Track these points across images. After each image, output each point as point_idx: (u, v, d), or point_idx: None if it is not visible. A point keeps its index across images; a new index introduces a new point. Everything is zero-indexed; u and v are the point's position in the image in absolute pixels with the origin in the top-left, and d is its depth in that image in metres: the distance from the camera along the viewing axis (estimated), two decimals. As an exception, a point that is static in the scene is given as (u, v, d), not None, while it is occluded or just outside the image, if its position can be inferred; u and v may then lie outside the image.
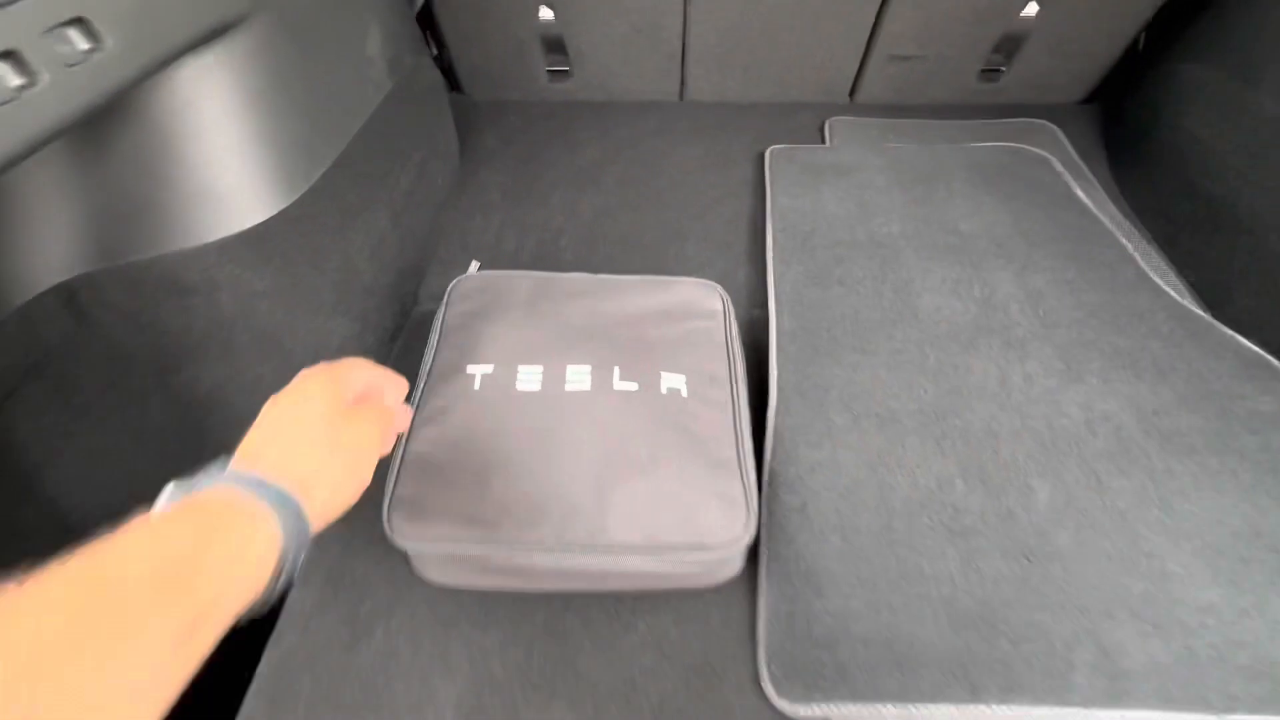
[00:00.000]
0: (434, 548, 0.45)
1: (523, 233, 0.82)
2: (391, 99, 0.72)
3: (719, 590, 0.49)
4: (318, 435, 0.34)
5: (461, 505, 0.46)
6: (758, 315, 0.69)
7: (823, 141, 0.96)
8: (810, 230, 0.76)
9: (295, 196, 0.56)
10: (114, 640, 0.22)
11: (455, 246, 0.81)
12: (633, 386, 0.52)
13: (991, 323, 0.64)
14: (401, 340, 0.70)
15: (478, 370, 0.53)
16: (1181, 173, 0.78)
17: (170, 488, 0.30)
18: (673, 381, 0.53)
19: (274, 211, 0.55)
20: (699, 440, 0.50)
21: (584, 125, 1.01)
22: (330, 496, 0.33)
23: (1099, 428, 0.55)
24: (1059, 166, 0.84)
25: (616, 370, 0.53)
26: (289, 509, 0.30)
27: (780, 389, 0.60)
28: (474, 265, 0.73)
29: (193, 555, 0.26)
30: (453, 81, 1.06)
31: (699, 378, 0.54)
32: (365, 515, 0.55)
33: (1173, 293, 0.67)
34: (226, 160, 0.52)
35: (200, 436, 0.59)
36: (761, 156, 0.92)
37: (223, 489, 0.30)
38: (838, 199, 0.80)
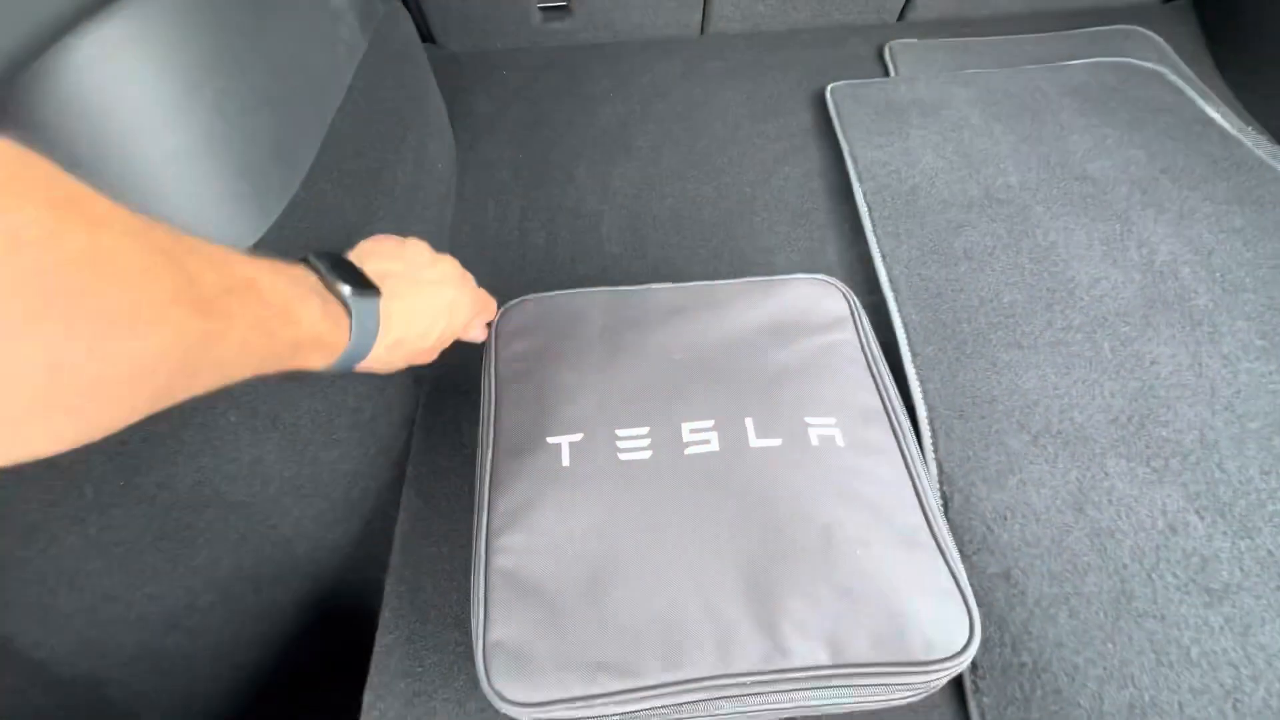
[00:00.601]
0: (560, 713, 0.33)
1: (551, 221, 0.67)
2: (369, 63, 0.55)
3: (911, 708, 0.38)
4: (416, 262, 0.38)
5: (580, 644, 0.33)
6: (869, 304, 0.56)
7: (886, 73, 0.80)
8: (911, 190, 0.62)
9: (272, 218, 0.41)
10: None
11: (470, 248, 0.65)
12: (775, 441, 0.39)
13: (1164, 293, 0.52)
14: (429, 382, 0.55)
15: (563, 440, 0.40)
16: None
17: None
18: (822, 428, 0.40)
19: (247, 243, 0.39)
20: (875, 506, 0.37)
21: (595, 74, 0.83)
22: (407, 323, 0.35)
23: (1335, 422, 0.45)
24: (1179, 81, 0.71)
25: (749, 422, 0.40)
26: (370, 313, 0.32)
27: (930, 408, 0.47)
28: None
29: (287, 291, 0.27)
30: (423, 30, 0.86)
31: (851, 416, 0.41)
32: (432, 634, 0.42)
33: (1362, 233, 0.56)
34: (162, 180, 0.35)
35: (189, 542, 0.45)
36: (820, 97, 0.76)
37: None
38: (932, 145, 0.66)
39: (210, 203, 0.37)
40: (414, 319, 0.36)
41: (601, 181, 0.70)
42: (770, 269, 0.61)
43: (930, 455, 0.45)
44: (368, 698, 0.41)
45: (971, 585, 0.40)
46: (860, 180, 0.64)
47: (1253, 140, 0.65)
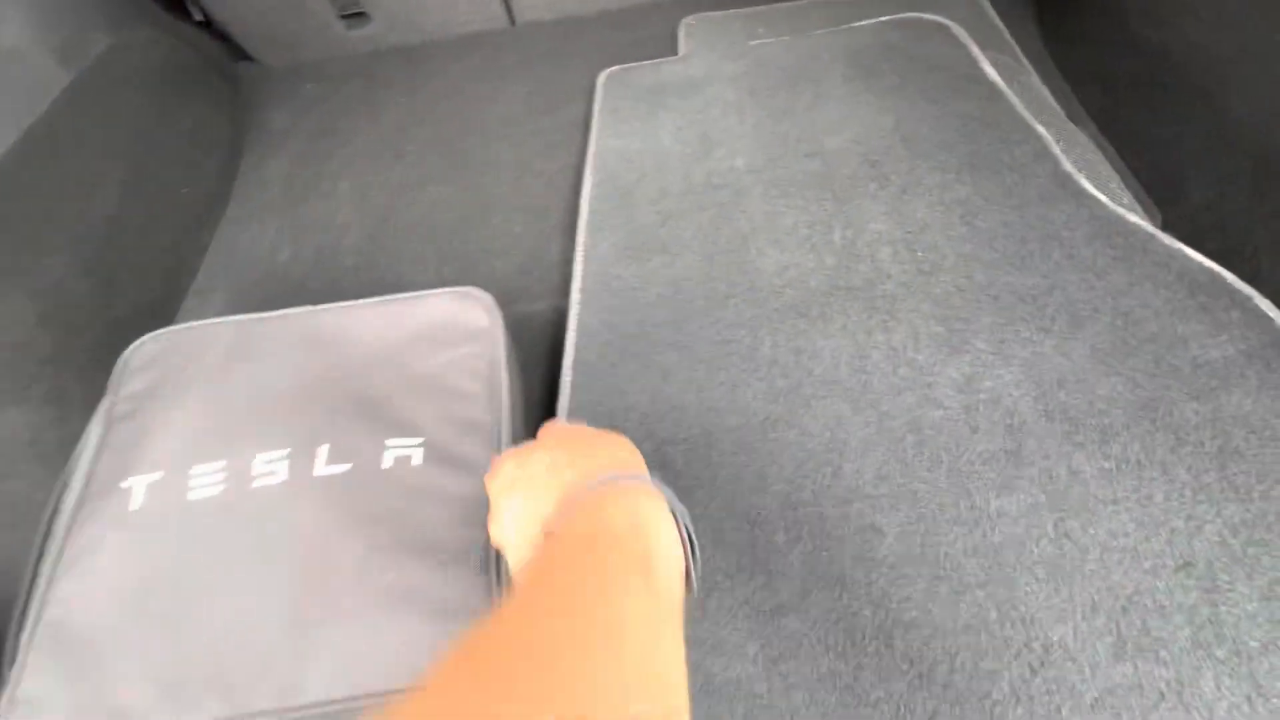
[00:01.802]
0: None
1: (300, 237, 0.67)
2: (73, 97, 0.56)
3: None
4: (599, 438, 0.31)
5: (110, 690, 0.34)
6: (562, 309, 0.54)
7: (676, 52, 0.76)
8: (636, 180, 0.59)
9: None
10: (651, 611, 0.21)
11: (218, 272, 0.66)
12: (344, 468, 0.39)
13: (852, 278, 0.48)
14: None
15: (140, 481, 0.40)
16: (1120, 19, 0.58)
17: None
18: (402, 449, 0.39)
19: None
20: (431, 525, 0.36)
21: (390, 80, 0.82)
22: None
23: (982, 417, 0.40)
24: (962, 35, 0.64)
25: (324, 450, 0.39)
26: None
27: (571, 418, 0.45)
28: None
29: (643, 526, 0.24)
30: (239, 49, 0.87)
31: (446, 432, 0.40)
32: None
33: (1102, 196, 0.49)
34: None
35: None
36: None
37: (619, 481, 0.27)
38: (676, 130, 0.62)
39: None
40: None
41: (361, 192, 0.70)
42: (489, 275, 0.60)
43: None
44: None
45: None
46: (593, 173, 0.61)
47: (1026, 95, 0.58)
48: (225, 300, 0.63)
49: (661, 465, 0.42)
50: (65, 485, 0.42)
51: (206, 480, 0.39)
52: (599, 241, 0.55)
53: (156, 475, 0.40)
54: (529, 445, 0.30)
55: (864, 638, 0.33)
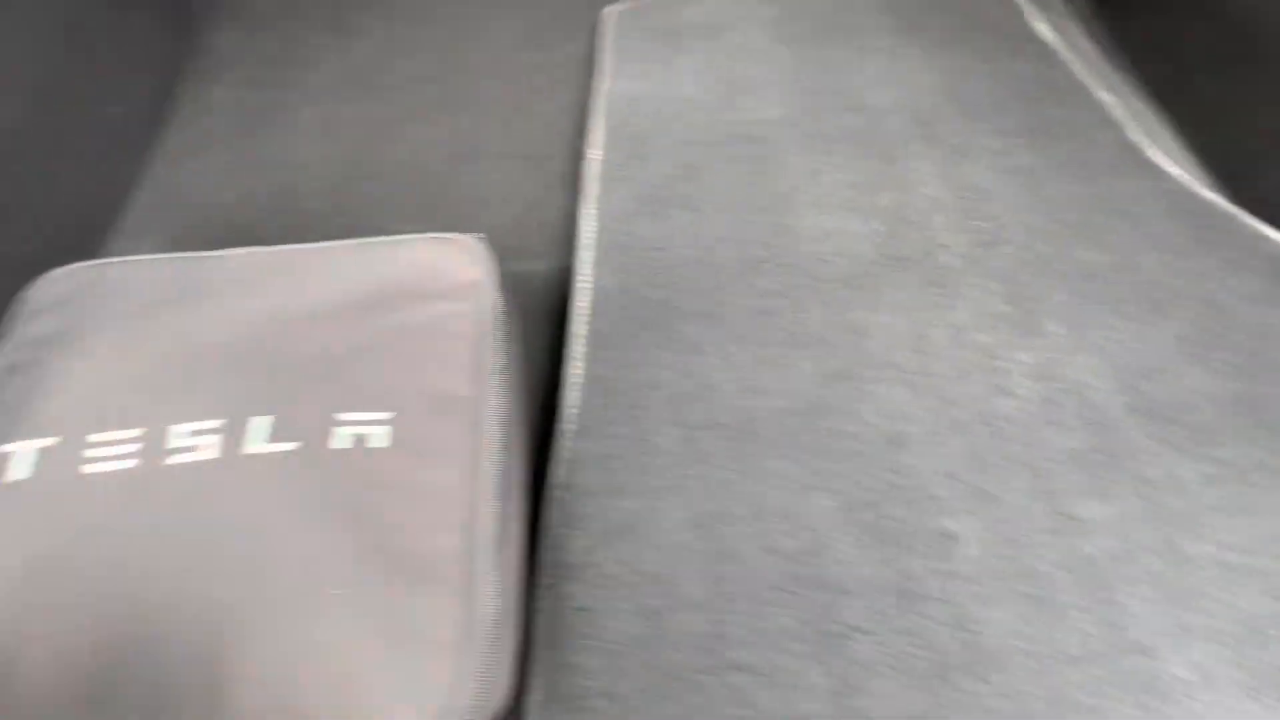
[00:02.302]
0: None
1: (253, 176, 0.57)
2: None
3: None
4: None
5: None
6: (570, 269, 0.46)
7: (691, -9, 0.68)
8: (651, 128, 0.52)
9: None
10: None
11: (149, 211, 0.55)
12: (288, 446, 0.31)
13: (905, 248, 0.42)
14: None
15: (26, 448, 0.31)
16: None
17: None
18: (362, 426, 0.31)
19: None
20: (387, 528, 0.29)
21: (360, 2, 0.71)
22: None
23: (1062, 410, 0.35)
24: (1013, -9, 0.59)
25: (264, 422, 0.31)
26: None
27: (585, 397, 0.38)
28: None
29: None
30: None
31: (417, 410, 0.32)
32: None
33: (1175, 170, 0.45)
34: None
35: None
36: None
37: None
38: (696, 74, 0.55)
39: None
40: None
41: (328, 127, 0.60)
42: (480, 227, 0.51)
43: (562, 455, 0.36)
44: None
45: (548, 622, 0.32)
46: (602, 117, 0.53)
47: (1082, 58, 0.53)
48: (156, 245, 0.53)
49: (697, 457, 0.35)
50: None
51: (111, 451, 0.31)
52: (611, 193, 0.48)
53: (47, 441, 0.31)
54: None
55: (949, 667, 0.28)
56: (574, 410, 0.38)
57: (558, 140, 0.57)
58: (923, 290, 0.40)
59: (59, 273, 0.39)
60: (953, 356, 0.38)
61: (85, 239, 0.52)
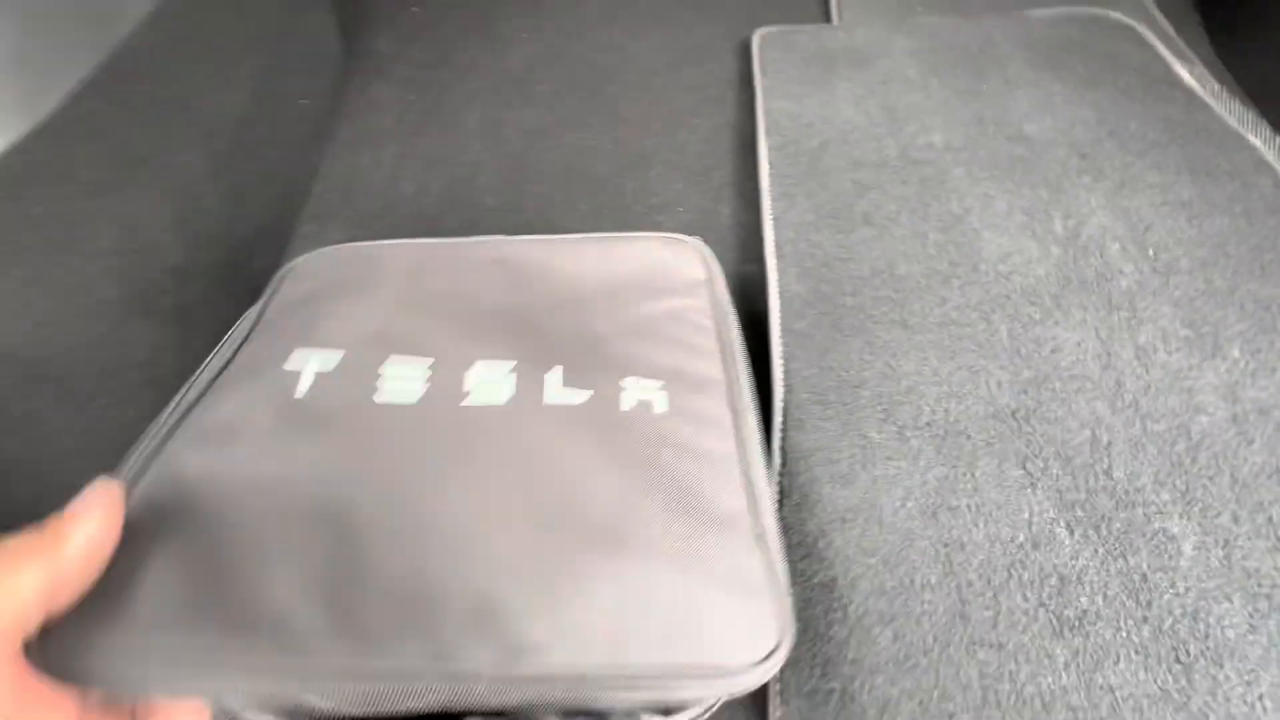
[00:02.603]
0: (133, 679, 0.24)
1: (427, 169, 0.60)
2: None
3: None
4: None
5: (213, 597, 0.26)
6: (751, 273, 0.49)
7: (828, 19, 0.72)
8: (819, 146, 0.55)
9: (15, 133, 0.35)
10: None
11: (333, 198, 0.59)
12: (579, 397, 0.33)
13: (1083, 271, 0.45)
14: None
15: (309, 360, 0.33)
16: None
17: None
18: (644, 391, 0.34)
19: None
20: (687, 485, 0.31)
21: (512, 14, 0.76)
22: None
23: (1254, 427, 0.38)
24: (1151, 37, 0.62)
25: (557, 372, 0.34)
26: None
27: (789, 389, 0.41)
28: None
29: None
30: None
31: (682, 384, 0.35)
32: None
33: (1330, 212, 0.48)
34: None
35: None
36: (748, 44, 0.68)
37: None
38: (855, 100, 0.59)
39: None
40: None
41: (492, 129, 0.64)
42: (655, 230, 0.55)
43: (777, 444, 0.39)
44: None
45: (792, 595, 0.34)
46: (767, 134, 0.57)
47: (1226, 105, 0.56)
48: (344, 228, 0.56)
49: (911, 453, 0.38)
50: (205, 367, 0.35)
51: (402, 380, 0.33)
52: (789, 207, 0.51)
53: (332, 356, 0.33)
54: None
55: (1188, 654, 0.31)
56: (781, 404, 0.41)
57: (717, 153, 0.60)
58: (1105, 311, 0.43)
59: (311, 254, 0.42)
60: (1142, 374, 0.40)
61: (285, 220, 0.56)
